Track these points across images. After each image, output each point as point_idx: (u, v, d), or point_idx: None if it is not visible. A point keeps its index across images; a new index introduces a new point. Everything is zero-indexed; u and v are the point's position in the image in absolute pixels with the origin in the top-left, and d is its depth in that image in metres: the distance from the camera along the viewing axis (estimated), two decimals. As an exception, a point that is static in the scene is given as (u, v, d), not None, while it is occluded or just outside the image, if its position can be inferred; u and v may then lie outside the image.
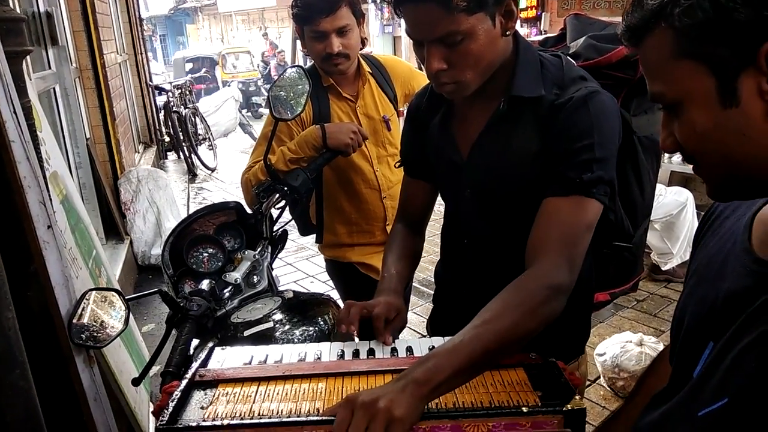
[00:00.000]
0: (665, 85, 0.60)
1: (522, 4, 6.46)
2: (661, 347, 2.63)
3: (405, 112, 1.85)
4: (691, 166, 0.63)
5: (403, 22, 1.04)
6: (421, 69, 1.77)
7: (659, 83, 0.60)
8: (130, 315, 1.19)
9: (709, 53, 0.55)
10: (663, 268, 3.67)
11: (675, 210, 3.57)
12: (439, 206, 1.36)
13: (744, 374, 0.55)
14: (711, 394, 0.58)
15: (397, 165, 1.49)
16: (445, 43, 1.00)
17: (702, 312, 0.66)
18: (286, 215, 1.76)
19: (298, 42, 1.91)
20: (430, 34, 1.01)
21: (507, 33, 1.05)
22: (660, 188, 3.69)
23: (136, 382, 1.23)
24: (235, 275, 1.40)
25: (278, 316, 1.32)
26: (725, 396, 0.56)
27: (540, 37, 1.55)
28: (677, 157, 4.25)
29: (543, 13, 6.55)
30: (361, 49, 1.80)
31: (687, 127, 0.60)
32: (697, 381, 0.62)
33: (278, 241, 1.62)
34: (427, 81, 1.22)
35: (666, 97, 0.60)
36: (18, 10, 1.31)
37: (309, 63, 1.91)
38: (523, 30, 6.83)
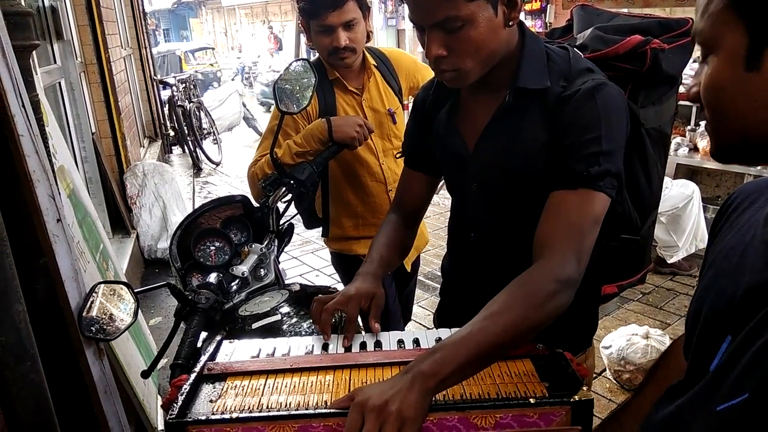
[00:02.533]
0: (706, 25, 0.61)
1: (527, -4, 6.42)
2: (667, 340, 2.63)
3: (410, 104, 1.85)
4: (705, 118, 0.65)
5: (407, 13, 1.05)
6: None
7: (704, 21, 0.61)
8: (139, 308, 1.19)
9: (751, 13, 0.56)
10: (669, 261, 3.67)
11: (681, 203, 3.56)
12: (446, 200, 1.36)
13: (765, 369, 0.55)
14: (730, 389, 0.57)
15: (397, 156, 1.49)
16: (444, 28, 1.00)
17: (720, 305, 0.66)
18: (293, 209, 1.77)
19: (302, 35, 1.91)
20: (430, 18, 1.00)
21: (510, 23, 1.05)
22: (666, 181, 3.67)
23: (145, 374, 1.24)
24: (242, 268, 1.40)
25: (285, 309, 1.33)
26: (745, 391, 0.55)
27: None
28: (683, 150, 4.23)
29: (548, 5, 6.50)
30: (366, 42, 1.80)
31: (709, 77, 0.62)
32: (715, 375, 0.61)
33: (285, 235, 1.63)
34: (432, 74, 1.22)
35: (702, 37, 0.62)
36: (23, 4, 1.31)
37: (313, 56, 1.91)
38: (527, 22, 6.79)
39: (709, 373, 0.63)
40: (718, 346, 0.63)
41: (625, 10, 3.91)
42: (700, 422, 0.61)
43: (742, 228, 0.70)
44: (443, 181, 1.36)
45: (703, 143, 4.19)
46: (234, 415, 0.82)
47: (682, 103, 4.36)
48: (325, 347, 1.06)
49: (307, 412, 0.82)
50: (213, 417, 0.82)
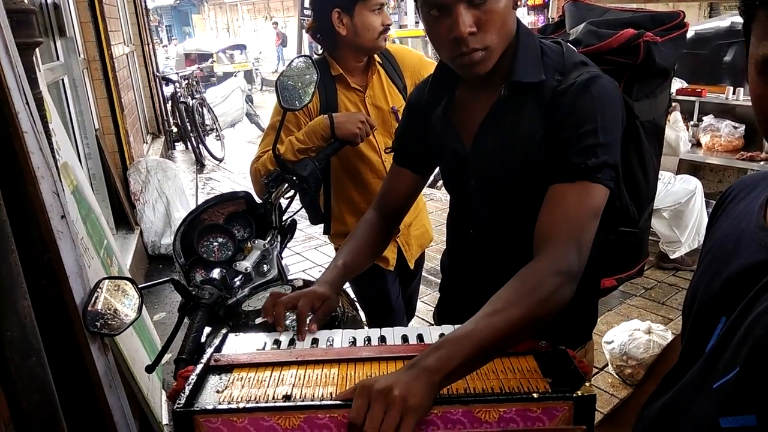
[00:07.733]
0: None
1: (530, -8, 6.40)
2: (669, 335, 2.63)
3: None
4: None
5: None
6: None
7: None
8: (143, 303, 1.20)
9: None
10: (671, 257, 3.66)
11: (683, 198, 3.55)
12: (446, 194, 1.36)
13: (753, 342, 0.56)
14: (724, 366, 0.59)
15: (387, 150, 1.49)
16: (472, 3, 1.00)
17: (715, 288, 0.67)
18: (295, 205, 1.77)
19: (304, 33, 1.92)
20: None
21: (516, 5, 1.06)
22: (669, 176, 3.67)
23: (149, 369, 1.25)
24: (246, 264, 1.41)
25: (289, 304, 1.33)
26: (736, 366, 0.57)
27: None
28: (686, 146, 4.22)
29: (551, 1, 6.48)
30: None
31: None
32: (710, 355, 0.63)
33: (287, 231, 1.63)
34: None
35: None
36: (26, 1, 1.31)
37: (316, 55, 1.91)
38: (530, 17, 6.77)
39: (705, 354, 0.64)
40: (713, 328, 0.64)
41: (630, 5, 3.90)
42: (698, 401, 0.62)
43: (738, 216, 0.71)
44: (442, 177, 1.36)
45: (706, 138, 4.18)
46: (241, 405, 0.83)
47: (684, 98, 4.37)
48: (291, 342, 1.07)
49: (312, 403, 0.82)
50: (220, 407, 0.83)
